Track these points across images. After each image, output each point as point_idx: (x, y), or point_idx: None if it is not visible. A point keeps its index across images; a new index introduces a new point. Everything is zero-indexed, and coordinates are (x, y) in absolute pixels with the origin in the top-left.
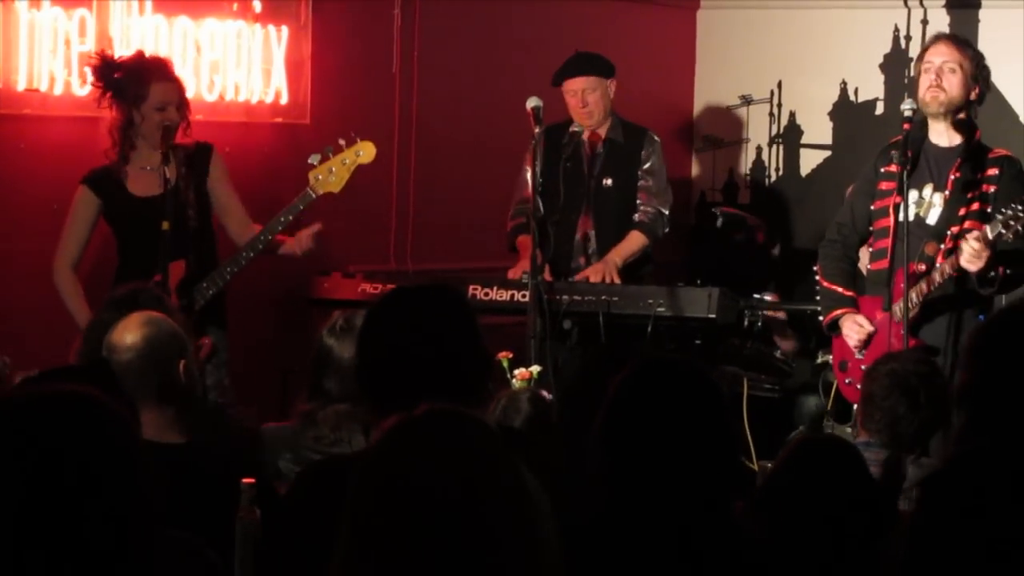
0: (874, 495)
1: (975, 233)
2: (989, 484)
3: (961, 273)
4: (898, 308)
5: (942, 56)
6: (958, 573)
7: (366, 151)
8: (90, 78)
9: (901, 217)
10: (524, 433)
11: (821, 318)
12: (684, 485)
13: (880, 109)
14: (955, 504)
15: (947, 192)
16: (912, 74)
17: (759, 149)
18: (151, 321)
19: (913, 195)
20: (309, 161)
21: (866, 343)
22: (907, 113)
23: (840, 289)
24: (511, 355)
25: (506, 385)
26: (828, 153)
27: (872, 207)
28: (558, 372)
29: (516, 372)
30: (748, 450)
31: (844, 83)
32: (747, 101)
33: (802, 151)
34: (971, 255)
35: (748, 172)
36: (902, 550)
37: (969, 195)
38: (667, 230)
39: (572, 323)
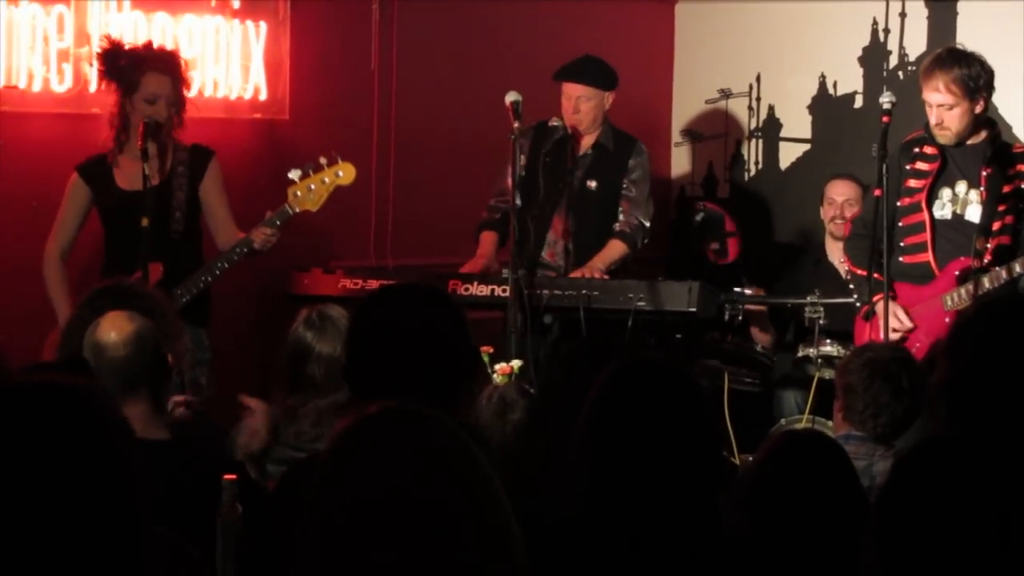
0: (857, 490)
1: None
2: (955, 471)
3: None
4: (949, 298)
5: (936, 99)
6: (923, 556)
7: (346, 172)
8: (95, 64)
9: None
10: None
11: (858, 304)
12: (667, 482)
13: (859, 102)
14: (920, 491)
15: (983, 189)
16: (891, 69)
17: (738, 143)
18: (133, 316)
19: (946, 192)
20: (289, 176)
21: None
22: (886, 106)
23: (877, 276)
24: (492, 350)
25: (487, 380)
26: (807, 147)
27: (899, 203)
28: (539, 367)
29: (497, 367)
30: (729, 444)
31: (823, 77)
32: (726, 95)
33: (781, 145)
34: None
35: (727, 166)
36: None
37: (1004, 191)
38: (647, 241)
39: (553, 318)
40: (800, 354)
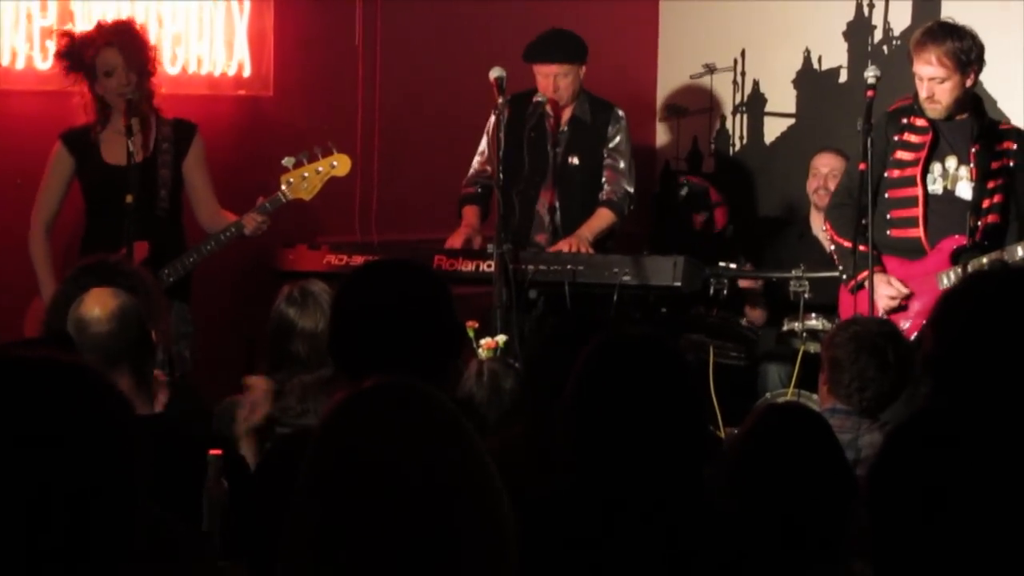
0: (841, 461)
1: None
2: (948, 443)
3: None
4: (945, 277)
5: (928, 71)
6: (915, 530)
7: (341, 163)
8: (57, 63)
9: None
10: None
11: (843, 276)
12: (653, 456)
13: (844, 77)
14: (913, 463)
15: (972, 166)
16: (876, 43)
17: (723, 118)
18: (117, 293)
19: (937, 167)
20: (283, 163)
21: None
22: (870, 81)
23: (862, 248)
24: (477, 325)
25: (472, 355)
26: (792, 121)
27: (887, 175)
28: (524, 342)
29: (482, 342)
30: (715, 418)
31: (807, 51)
32: (711, 70)
33: (766, 119)
34: None
35: (712, 141)
36: (863, 513)
37: (993, 168)
38: (633, 207)
39: (538, 293)
40: (785, 328)
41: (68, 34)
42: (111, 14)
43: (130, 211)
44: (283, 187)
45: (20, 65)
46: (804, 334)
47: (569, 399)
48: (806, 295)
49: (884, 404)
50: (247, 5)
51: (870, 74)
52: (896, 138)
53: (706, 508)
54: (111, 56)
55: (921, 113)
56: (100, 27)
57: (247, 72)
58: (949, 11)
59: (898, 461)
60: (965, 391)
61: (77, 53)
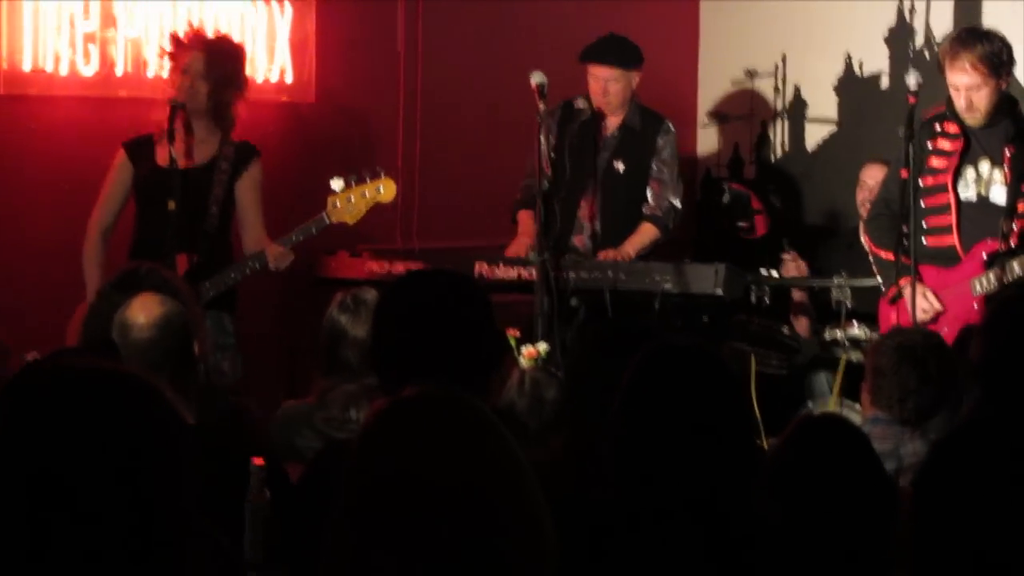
0: (879, 471)
1: None
2: (991, 453)
3: None
4: (978, 283)
5: (964, 80)
6: (960, 534)
7: (387, 189)
8: (166, 46)
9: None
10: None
11: (883, 287)
12: (701, 469)
13: (885, 83)
14: (957, 471)
15: (1007, 169)
16: (918, 49)
17: (764, 124)
18: (165, 300)
19: (970, 173)
20: (331, 185)
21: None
22: (912, 87)
23: (904, 259)
24: (518, 333)
25: (514, 363)
26: (833, 127)
27: (921, 183)
28: (565, 350)
29: (523, 350)
30: (757, 428)
31: (849, 57)
32: (751, 75)
33: (807, 125)
34: None
35: (753, 147)
36: (909, 519)
37: None
38: (678, 222)
39: (579, 301)
40: (827, 336)
41: (192, 27)
42: (154, 17)
43: (173, 219)
44: (328, 208)
45: (64, 71)
46: (846, 343)
47: (618, 408)
48: (848, 303)
49: (925, 416)
50: (289, 10)
51: (912, 80)
52: (930, 145)
53: (752, 519)
54: (195, 59)
55: (954, 119)
56: (213, 34)
57: (289, 78)
58: (990, 15)
59: (943, 473)
60: (1013, 398)
61: (180, 45)
